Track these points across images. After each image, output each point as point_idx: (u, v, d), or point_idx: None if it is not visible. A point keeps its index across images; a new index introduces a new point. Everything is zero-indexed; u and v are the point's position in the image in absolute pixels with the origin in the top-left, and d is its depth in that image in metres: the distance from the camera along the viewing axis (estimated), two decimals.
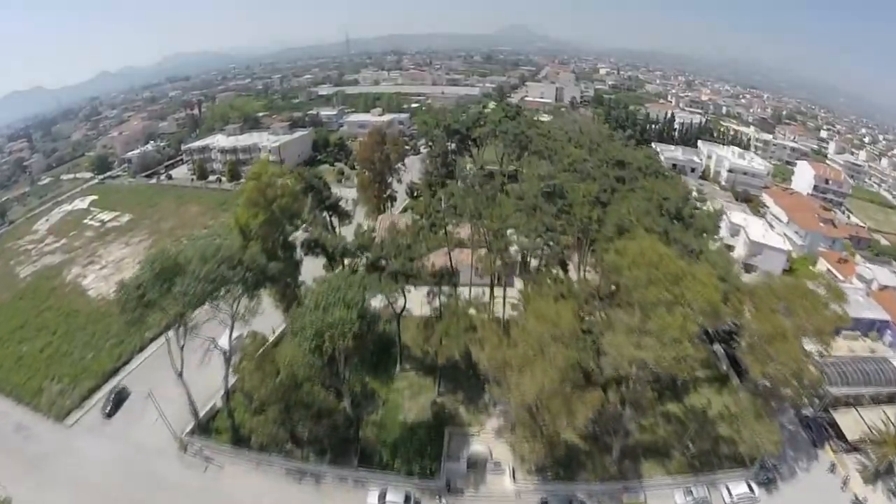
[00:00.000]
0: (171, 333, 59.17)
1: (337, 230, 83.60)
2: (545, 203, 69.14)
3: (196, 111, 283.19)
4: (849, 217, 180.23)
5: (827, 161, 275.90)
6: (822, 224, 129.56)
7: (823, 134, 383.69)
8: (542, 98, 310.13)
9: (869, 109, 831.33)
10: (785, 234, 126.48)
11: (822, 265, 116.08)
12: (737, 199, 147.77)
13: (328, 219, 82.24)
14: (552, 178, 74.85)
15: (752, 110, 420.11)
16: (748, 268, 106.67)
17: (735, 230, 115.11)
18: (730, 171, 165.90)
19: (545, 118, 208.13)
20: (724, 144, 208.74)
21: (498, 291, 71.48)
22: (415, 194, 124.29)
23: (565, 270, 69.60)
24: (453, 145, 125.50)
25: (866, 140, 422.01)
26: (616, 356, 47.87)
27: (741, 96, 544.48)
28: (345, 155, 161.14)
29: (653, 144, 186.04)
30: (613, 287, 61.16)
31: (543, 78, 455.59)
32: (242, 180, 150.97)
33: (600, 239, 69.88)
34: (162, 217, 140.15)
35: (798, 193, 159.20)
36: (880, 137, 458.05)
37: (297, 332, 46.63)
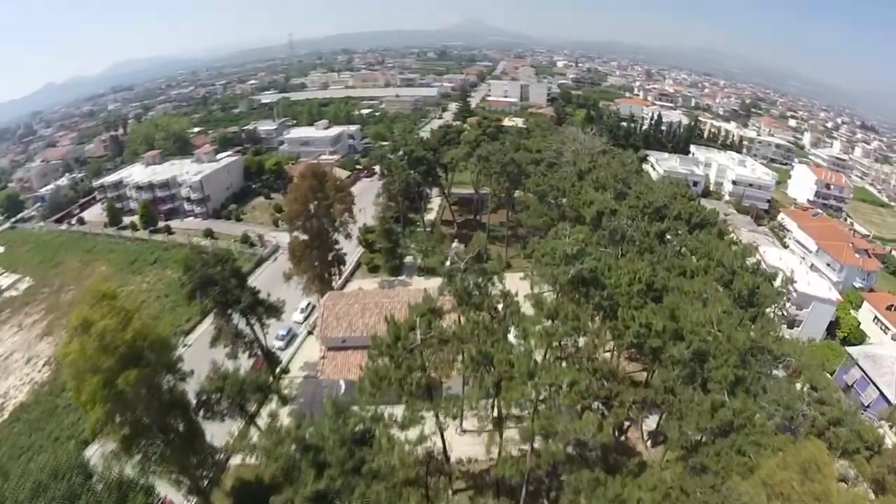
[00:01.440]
0: None
1: (261, 335, 56.70)
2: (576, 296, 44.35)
3: (121, 132, 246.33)
4: (851, 224, 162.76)
5: (809, 157, 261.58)
6: (857, 255, 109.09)
7: (792, 123, 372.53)
8: (506, 97, 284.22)
9: (819, 90, 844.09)
10: (814, 267, 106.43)
11: (867, 310, 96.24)
12: (756, 222, 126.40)
13: (247, 323, 55.13)
14: (583, 252, 49.88)
15: (717, 101, 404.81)
16: (790, 323, 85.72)
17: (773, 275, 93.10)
18: (734, 182, 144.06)
19: (518, 122, 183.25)
20: (717, 148, 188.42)
21: None
22: (369, 243, 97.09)
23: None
24: (417, 174, 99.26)
25: (829, 125, 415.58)
26: None
27: (699, 85, 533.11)
28: (283, 183, 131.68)
29: (643, 152, 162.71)
30: None
31: (503, 74, 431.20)
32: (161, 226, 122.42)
33: (668, 364, 45.35)
34: (64, 283, 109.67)
35: (824, 216, 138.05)
36: (839, 121, 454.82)
37: None
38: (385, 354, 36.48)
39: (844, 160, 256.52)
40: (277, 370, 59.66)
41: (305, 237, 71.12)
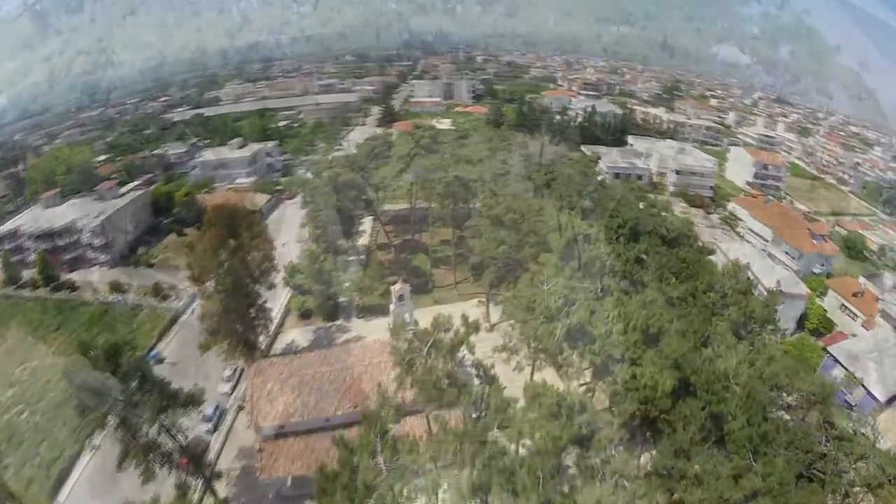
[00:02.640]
0: None
1: (180, 437, 45.17)
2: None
3: (21, 167, 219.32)
4: (792, 203, 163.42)
5: (738, 136, 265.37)
6: (815, 242, 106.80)
7: (714, 102, 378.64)
8: (430, 98, 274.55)
9: (722, 66, 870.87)
10: (772, 256, 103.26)
11: (832, 299, 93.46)
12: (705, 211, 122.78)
13: (160, 429, 43.29)
14: (568, 301, 41.60)
15: (639, 86, 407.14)
16: None
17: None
18: (678, 173, 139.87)
19: (444, 124, 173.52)
20: (654, 136, 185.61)
21: None
22: (298, 285, 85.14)
23: None
24: (345, 200, 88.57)
25: (747, 102, 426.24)
26: None
27: (619, 71, 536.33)
28: (197, 215, 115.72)
29: (594, 152, 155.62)
30: None
31: (423, 72, 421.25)
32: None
33: (678, 425, 37.69)
34: None
35: (777, 203, 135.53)
36: (755, 97, 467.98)
37: None
38: (339, 495, 26.64)
39: (773, 137, 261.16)
40: (208, 473, 47.97)
41: (220, 295, 59.00)
